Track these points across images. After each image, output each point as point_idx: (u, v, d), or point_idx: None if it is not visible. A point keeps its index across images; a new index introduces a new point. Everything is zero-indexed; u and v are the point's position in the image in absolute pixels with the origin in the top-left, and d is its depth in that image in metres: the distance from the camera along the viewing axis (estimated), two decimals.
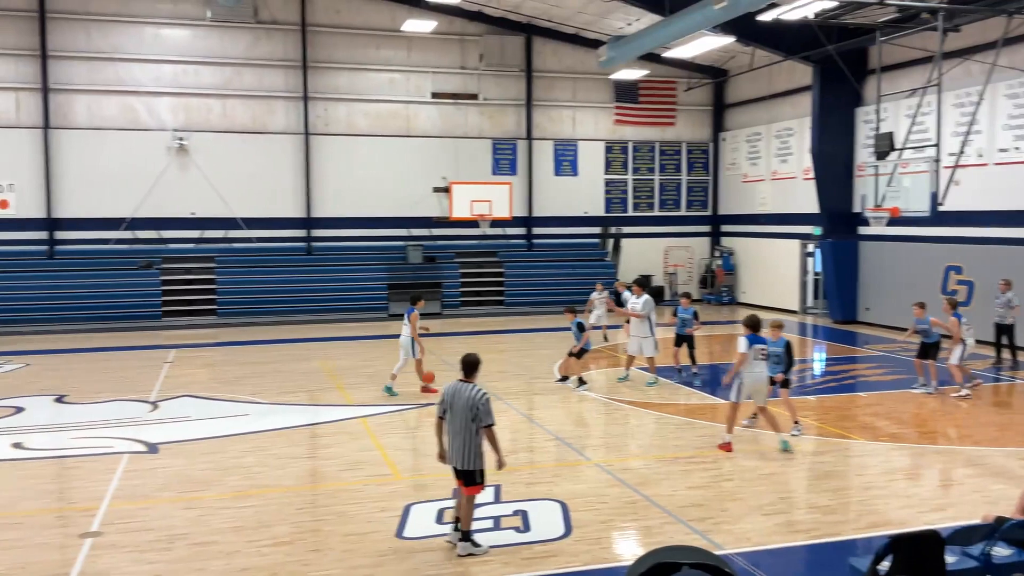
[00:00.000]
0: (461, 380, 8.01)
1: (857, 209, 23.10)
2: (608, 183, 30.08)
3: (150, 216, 25.67)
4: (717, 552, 7.16)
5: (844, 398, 14.96)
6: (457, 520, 8.05)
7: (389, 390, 14.76)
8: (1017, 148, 19.42)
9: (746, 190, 29.55)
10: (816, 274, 26.49)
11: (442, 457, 8.08)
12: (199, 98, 25.96)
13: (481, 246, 28.66)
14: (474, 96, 28.44)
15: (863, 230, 23.85)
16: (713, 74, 29.89)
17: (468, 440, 7.83)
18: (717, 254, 30.63)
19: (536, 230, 29.34)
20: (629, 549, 8.16)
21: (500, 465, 8.16)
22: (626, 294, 17.76)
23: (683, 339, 15.93)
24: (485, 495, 8.63)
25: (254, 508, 9.19)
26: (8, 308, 23.50)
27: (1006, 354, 17.47)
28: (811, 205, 25.01)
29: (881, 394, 15.07)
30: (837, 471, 10.75)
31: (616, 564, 7.67)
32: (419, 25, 25.71)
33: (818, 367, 18.48)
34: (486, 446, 7.96)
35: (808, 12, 18.97)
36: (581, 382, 15.36)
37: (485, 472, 7.98)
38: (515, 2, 26.27)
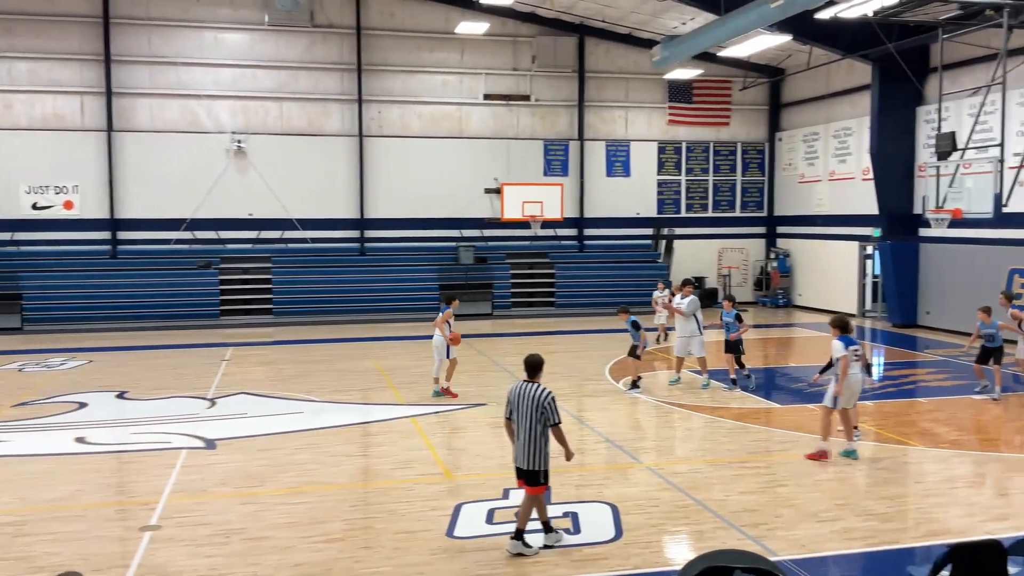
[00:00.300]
0: (526, 380, 8.08)
1: (918, 210, 22.61)
2: (661, 184, 29.85)
3: (209, 217, 26.24)
4: (771, 558, 7.05)
5: (903, 403, 14.61)
6: (546, 523, 8.11)
7: (437, 394, 14.83)
8: None
9: (803, 191, 29.08)
10: (875, 277, 25.99)
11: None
12: (257, 101, 26.44)
13: (532, 247, 28.68)
14: (526, 97, 28.48)
15: (924, 232, 23.28)
16: (769, 73, 29.49)
17: (533, 440, 7.87)
18: (772, 256, 30.21)
19: (587, 231, 29.25)
20: (680, 553, 8.08)
21: (568, 456, 8.25)
22: (676, 297, 17.61)
23: (731, 344, 15.55)
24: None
25: (308, 505, 9.32)
26: (72, 306, 24.19)
27: None
28: (870, 206, 24.52)
29: (941, 400, 14.70)
30: (895, 478, 10.52)
31: (667, 568, 7.62)
32: (472, 27, 25.86)
33: (876, 372, 18.09)
34: (551, 446, 7.99)
35: (867, 10, 18.64)
36: (635, 384, 15.28)
37: (549, 472, 8.02)
38: (568, 3, 26.23)
